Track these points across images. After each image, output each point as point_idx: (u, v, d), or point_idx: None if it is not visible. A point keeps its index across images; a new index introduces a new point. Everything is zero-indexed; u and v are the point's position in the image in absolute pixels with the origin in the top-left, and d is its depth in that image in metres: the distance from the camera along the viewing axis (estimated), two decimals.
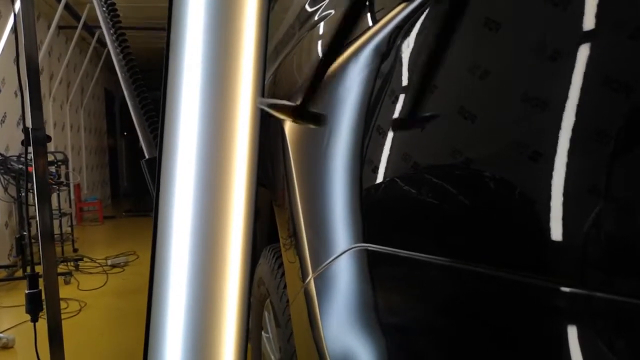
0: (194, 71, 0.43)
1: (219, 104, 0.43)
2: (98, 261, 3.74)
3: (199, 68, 0.43)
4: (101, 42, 6.51)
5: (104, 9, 0.78)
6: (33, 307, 1.10)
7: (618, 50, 0.29)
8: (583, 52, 0.30)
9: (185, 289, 0.45)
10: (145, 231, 5.50)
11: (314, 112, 0.44)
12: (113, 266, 3.76)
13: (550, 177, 0.29)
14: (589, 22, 0.31)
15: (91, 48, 6.31)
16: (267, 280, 1.06)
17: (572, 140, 0.29)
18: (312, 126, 0.62)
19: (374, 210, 0.49)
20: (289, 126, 0.71)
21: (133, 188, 8.04)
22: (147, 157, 0.77)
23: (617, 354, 0.26)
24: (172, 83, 0.43)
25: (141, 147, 0.78)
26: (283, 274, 0.97)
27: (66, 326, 1.44)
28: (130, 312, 2.79)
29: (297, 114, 0.42)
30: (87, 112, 7.07)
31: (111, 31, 0.78)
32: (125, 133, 9.38)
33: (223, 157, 0.45)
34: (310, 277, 0.61)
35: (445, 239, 0.40)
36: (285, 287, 0.94)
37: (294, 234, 0.67)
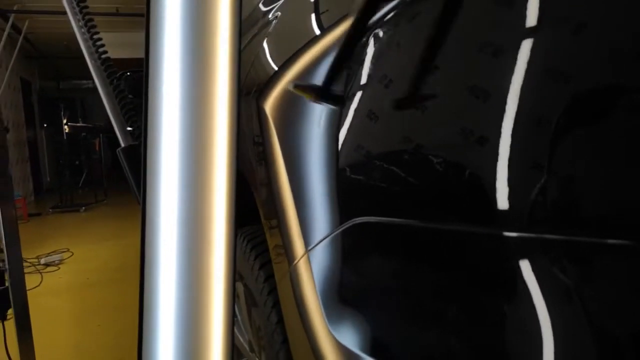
0: (174, 63, 0.45)
1: (199, 94, 0.45)
2: (29, 260, 3.54)
3: (179, 59, 0.45)
4: (15, 28, 6.06)
5: None
6: (0, 305, 1.04)
7: (556, 44, 0.35)
8: (523, 48, 0.36)
9: (175, 271, 0.47)
10: (77, 227, 5.25)
11: (334, 93, 0.48)
12: (47, 265, 3.59)
13: (505, 150, 0.37)
14: (529, 19, 0.37)
15: (5, 34, 5.86)
16: (239, 263, 1.08)
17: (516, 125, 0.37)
18: (305, 107, 0.65)
19: (373, 183, 0.53)
20: (271, 106, 0.73)
21: (57, 183, 7.61)
22: (122, 145, 0.77)
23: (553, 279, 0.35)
24: (153, 77, 0.45)
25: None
26: (257, 256, 0.99)
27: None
28: (72, 311, 2.69)
29: (321, 95, 0.45)
30: (4, 104, 6.59)
31: (78, 17, 0.75)
32: (45, 125, 8.83)
33: (205, 144, 0.47)
34: (304, 254, 0.64)
35: (439, 207, 0.45)
36: (260, 268, 0.96)
37: (281, 215, 0.69)
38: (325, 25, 0.66)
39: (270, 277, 0.93)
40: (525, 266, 0.37)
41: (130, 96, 2.98)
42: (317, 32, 0.67)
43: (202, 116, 0.48)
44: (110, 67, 0.77)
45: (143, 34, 0.45)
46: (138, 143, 0.76)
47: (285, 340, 0.84)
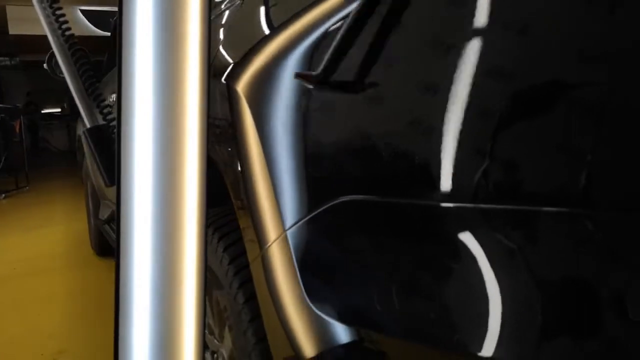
0: (146, 50, 0.46)
1: (171, 77, 0.47)
2: None
3: (151, 40, 0.46)
4: None
5: None
6: None
7: (500, 43, 0.42)
8: (471, 47, 0.43)
9: (149, 252, 0.48)
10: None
11: (337, 80, 0.51)
12: None
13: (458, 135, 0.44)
14: (479, 20, 0.43)
15: None
16: None
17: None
18: (278, 90, 0.66)
19: (361, 162, 0.56)
20: (245, 86, 0.73)
21: None
22: (88, 126, 0.75)
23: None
24: (126, 60, 0.46)
25: None
26: (221, 238, 0.99)
27: None
28: (2, 304, 2.54)
29: (322, 82, 0.48)
30: None
31: None
32: None
33: (177, 130, 0.49)
34: (282, 234, 0.66)
35: (418, 185, 0.49)
36: (225, 250, 0.97)
37: (258, 195, 0.71)
38: None
39: (235, 258, 0.94)
40: (491, 235, 0.44)
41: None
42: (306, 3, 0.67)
43: (173, 104, 0.49)
44: (74, 45, 0.74)
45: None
46: (104, 124, 0.74)
47: (253, 319, 0.86)
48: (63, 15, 0.74)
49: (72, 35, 0.74)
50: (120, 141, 0.47)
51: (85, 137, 0.73)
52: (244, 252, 0.94)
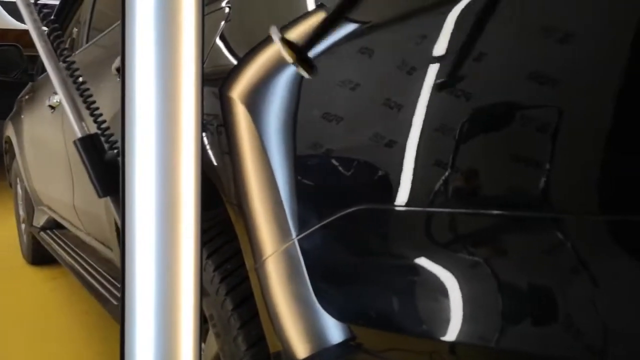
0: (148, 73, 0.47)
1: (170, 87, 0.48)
2: None
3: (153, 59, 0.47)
4: None
5: None
6: None
7: (457, 67, 0.47)
8: (432, 67, 0.49)
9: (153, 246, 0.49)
10: None
11: (311, 60, 0.54)
12: None
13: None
14: (437, 46, 0.49)
15: None
16: None
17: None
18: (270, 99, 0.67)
19: (373, 170, 0.57)
20: (242, 94, 0.73)
21: None
22: (79, 135, 0.71)
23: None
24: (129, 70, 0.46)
25: None
26: (204, 244, 0.98)
27: None
28: None
29: (300, 55, 0.51)
30: None
31: None
32: None
33: (174, 142, 0.50)
34: (291, 241, 0.66)
35: (431, 194, 0.52)
36: (210, 256, 0.95)
37: (261, 204, 0.71)
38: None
39: (221, 265, 0.93)
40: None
41: None
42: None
43: (171, 116, 0.49)
44: (62, 44, 0.70)
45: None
46: (95, 133, 0.71)
47: (242, 325, 0.86)
48: (50, 14, 0.70)
49: (61, 34, 0.70)
50: (124, 153, 0.47)
51: (77, 147, 0.69)
52: (229, 258, 0.93)
